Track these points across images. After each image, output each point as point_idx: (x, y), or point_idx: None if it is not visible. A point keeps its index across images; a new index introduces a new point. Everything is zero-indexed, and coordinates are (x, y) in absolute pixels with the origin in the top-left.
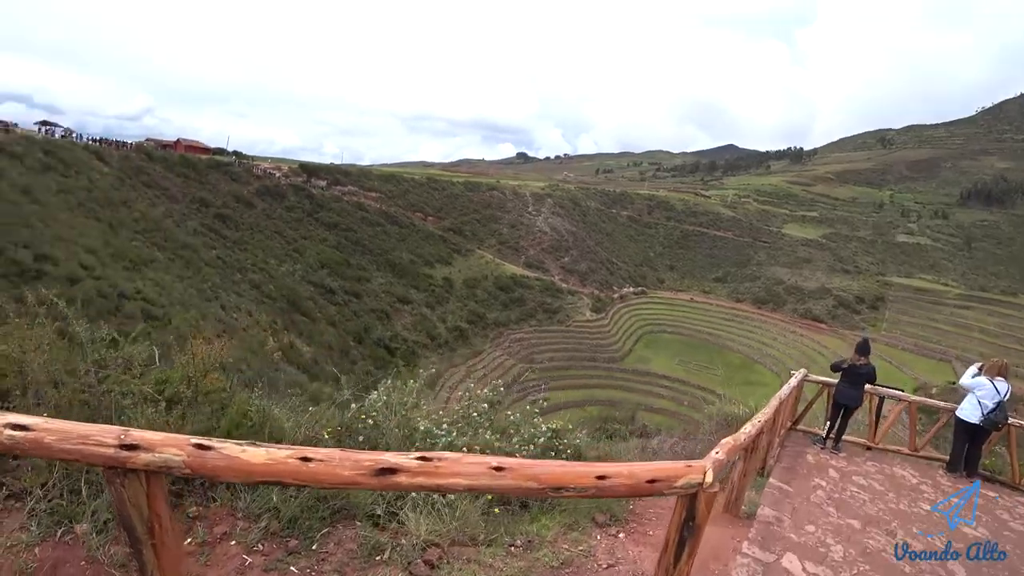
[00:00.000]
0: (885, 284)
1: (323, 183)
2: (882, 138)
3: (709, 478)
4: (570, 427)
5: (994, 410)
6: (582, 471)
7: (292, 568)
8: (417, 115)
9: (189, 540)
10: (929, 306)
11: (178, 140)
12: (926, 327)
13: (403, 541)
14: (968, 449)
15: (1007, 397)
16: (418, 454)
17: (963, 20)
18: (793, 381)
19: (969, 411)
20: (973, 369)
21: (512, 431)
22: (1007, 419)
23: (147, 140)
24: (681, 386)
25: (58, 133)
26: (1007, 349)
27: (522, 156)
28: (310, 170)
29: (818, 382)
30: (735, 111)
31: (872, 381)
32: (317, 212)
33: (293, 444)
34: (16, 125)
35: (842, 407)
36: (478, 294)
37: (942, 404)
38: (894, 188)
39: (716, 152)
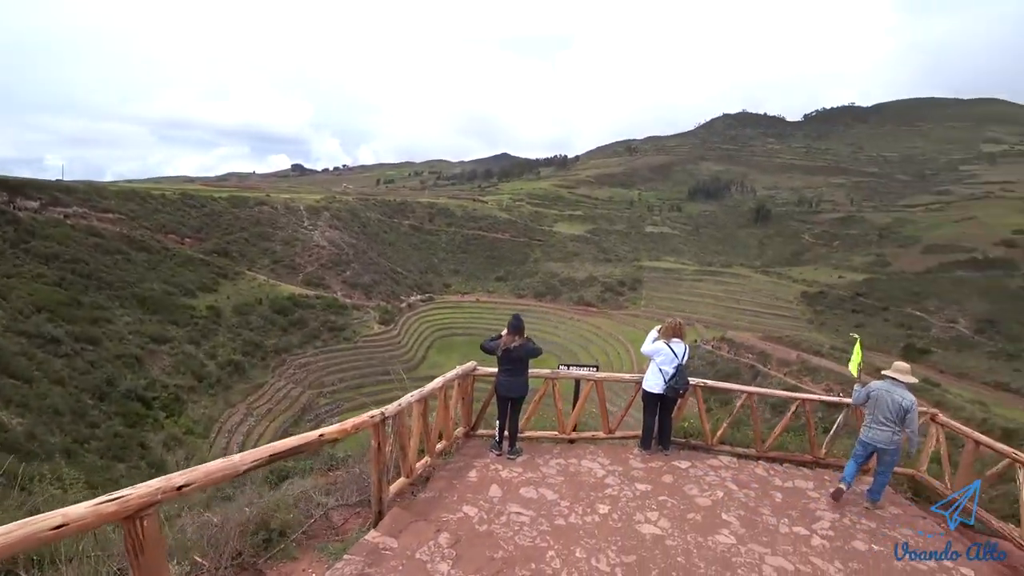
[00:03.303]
0: (640, 268)
1: (35, 204)
2: (629, 147)
3: None
4: None
5: (674, 375)
6: None
7: None
8: (172, 121)
9: None
10: (674, 282)
11: None
12: (674, 299)
13: None
14: (659, 420)
15: (686, 359)
16: None
17: (687, 57)
18: (438, 382)
19: (652, 380)
20: (653, 334)
21: None
22: (688, 383)
23: None
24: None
25: None
26: (730, 308)
27: (298, 168)
28: (14, 187)
29: (490, 375)
30: (508, 123)
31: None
32: (27, 241)
33: None
34: None
35: (508, 400)
36: (252, 321)
37: (628, 376)
38: (640, 188)
39: (492, 160)
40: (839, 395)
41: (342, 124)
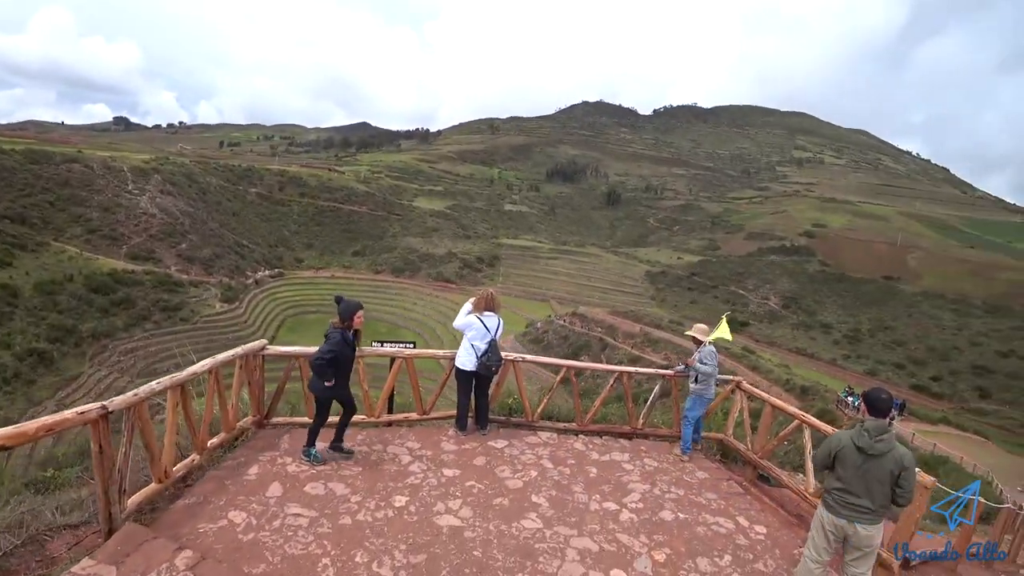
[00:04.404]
0: (499, 245)
1: None
2: (491, 125)
3: None
4: None
5: (487, 352)
6: None
7: None
8: None
9: None
10: (531, 259)
11: None
12: (530, 276)
13: None
14: (475, 398)
15: (499, 334)
16: None
17: (552, 42)
18: (205, 364)
19: (464, 357)
20: (466, 307)
21: None
22: (501, 360)
23: None
24: None
25: None
26: (582, 285)
27: (122, 122)
28: None
29: (286, 355)
30: (371, 91)
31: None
32: None
33: None
34: None
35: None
36: (62, 301)
37: (442, 353)
38: (501, 167)
39: (350, 129)
40: (682, 365)
41: (180, 75)
